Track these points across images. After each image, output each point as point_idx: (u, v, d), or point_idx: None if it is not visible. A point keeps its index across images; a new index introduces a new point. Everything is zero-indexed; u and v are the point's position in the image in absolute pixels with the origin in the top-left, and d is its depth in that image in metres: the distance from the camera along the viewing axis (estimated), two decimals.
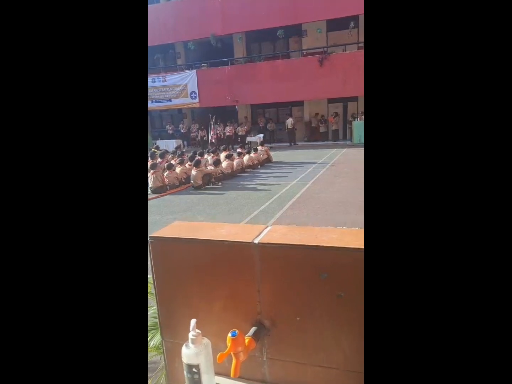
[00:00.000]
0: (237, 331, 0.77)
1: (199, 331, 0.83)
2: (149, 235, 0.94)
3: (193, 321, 0.82)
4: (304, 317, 0.84)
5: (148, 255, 0.94)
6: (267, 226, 0.94)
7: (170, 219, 5.40)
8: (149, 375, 1.53)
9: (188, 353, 0.83)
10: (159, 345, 1.04)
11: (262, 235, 0.87)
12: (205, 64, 16.87)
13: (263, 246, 0.83)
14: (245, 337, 0.81)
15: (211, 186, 7.95)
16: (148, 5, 16.67)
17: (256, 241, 0.84)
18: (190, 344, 0.82)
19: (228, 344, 0.76)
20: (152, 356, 1.36)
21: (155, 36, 16.07)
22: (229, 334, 0.76)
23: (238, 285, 0.87)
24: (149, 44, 16.45)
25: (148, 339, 1.31)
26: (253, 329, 0.84)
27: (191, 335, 0.82)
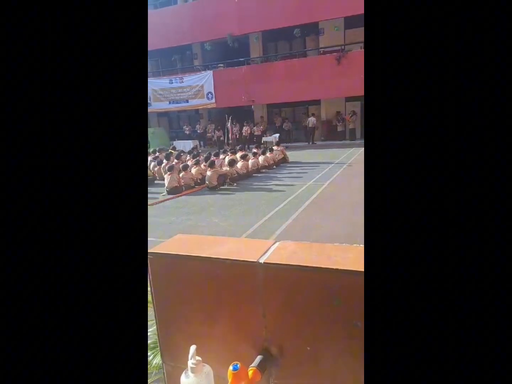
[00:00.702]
0: (239, 364, 0.69)
1: (199, 359, 0.76)
2: (148, 251, 0.87)
3: (192, 348, 0.75)
4: (316, 346, 0.75)
5: (148, 273, 0.87)
6: (275, 242, 0.86)
7: (185, 220, 5.38)
8: None
9: (188, 382, 0.75)
10: (161, 366, 0.97)
11: (268, 253, 0.79)
12: (222, 65, 16.89)
13: (268, 266, 0.74)
14: (249, 368, 0.73)
15: (226, 186, 7.92)
16: (166, 7, 16.87)
17: (261, 260, 0.75)
18: (190, 373, 0.75)
19: (229, 379, 0.68)
20: (154, 375, 1.29)
21: (172, 38, 16.22)
22: (230, 368, 0.69)
23: (242, 307, 0.79)
24: (167, 45, 16.64)
25: (150, 358, 1.25)
26: (258, 358, 0.76)
27: (190, 363, 0.75)
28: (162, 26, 16.10)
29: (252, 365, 0.74)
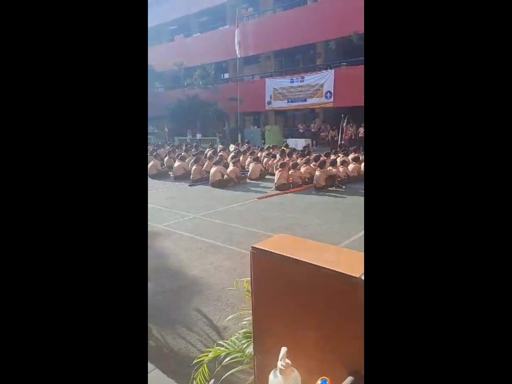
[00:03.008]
0: (327, 381, 0.66)
1: (289, 362, 0.76)
2: (252, 246, 0.91)
3: (283, 350, 0.76)
4: None
5: (250, 266, 0.92)
6: None
7: (288, 218, 5.47)
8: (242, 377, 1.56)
9: (275, 382, 0.77)
10: (253, 356, 1.02)
11: None
12: (344, 63, 16.43)
13: None
14: None
15: (334, 188, 7.72)
16: (295, 8, 17.19)
17: (363, 277, 0.71)
18: (278, 374, 0.76)
19: None
20: (246, 363, 1.36)
21: (298, 37, 16.50)
22: (319, 382, 0.67)
23: (336, 322, 0.76)
24: (292, 45, 16.98)
25: (244, 346, 1.31)
26: (348, 379, 0.72)
27: (280, 364, 0.76)
28: (291, 27, 16.53)
29: None
